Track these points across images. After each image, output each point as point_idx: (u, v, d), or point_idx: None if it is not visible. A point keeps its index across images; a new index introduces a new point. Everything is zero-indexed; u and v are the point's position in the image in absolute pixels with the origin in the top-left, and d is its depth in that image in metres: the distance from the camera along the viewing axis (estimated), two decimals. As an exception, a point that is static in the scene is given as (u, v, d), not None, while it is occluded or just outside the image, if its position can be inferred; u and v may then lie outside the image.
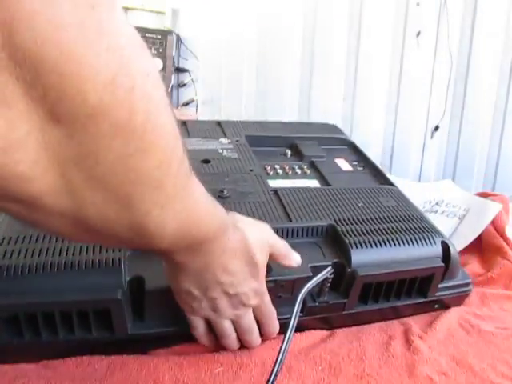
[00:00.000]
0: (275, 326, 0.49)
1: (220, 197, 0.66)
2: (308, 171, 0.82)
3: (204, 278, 0.40)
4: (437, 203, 1.36)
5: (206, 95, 1.61)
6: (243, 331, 0.47)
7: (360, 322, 0.58)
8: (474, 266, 0.90)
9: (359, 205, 0.68)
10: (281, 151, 0.92)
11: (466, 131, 1.67)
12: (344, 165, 0.89)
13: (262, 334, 0.49)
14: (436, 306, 0.62)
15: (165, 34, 1.50)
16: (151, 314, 0.47)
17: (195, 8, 1.55)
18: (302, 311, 0.51)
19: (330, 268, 0.52)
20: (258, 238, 0.44)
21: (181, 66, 1.57)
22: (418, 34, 1.60)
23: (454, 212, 1.26)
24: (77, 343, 0.46)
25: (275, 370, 0.42)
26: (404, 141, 1.68)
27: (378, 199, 0.71)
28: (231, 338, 0.47)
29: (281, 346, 0.43)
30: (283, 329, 0.47)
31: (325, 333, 0.55)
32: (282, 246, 0.48)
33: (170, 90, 1.53)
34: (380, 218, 0.65)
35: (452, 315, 0.60)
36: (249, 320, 0.46)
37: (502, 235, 0.99)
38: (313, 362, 0.48)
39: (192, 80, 1.58)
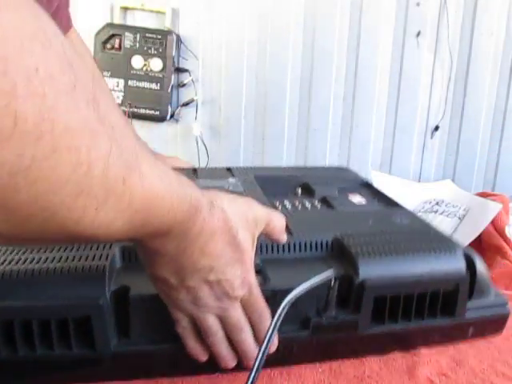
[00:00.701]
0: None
1: None
2: (319, 205, 0.75)
3: (180, 263, 0.37)
4: (437, 203, 1.36)
5: (205, 95, 1.61)
6: (231, 328, 0.41)
7: (380, 349, 0.51)
8: (474, 267, 0.90)
9: (369, 222, 0.62)
10: (291, 190, 0.86)
11: (466, 131, 1.67)
12: (357, 199, 0.84)
13: (256, 339, 0.42)
14: (470, 331, 0.53)
15: (165, 34, 1.50)
16: (137, 330, 0.43)
17: (195, 8, 1.55)
18: (306, 327, 0.46)
19: (331, 271, 0.47)
20: (241, 214, 0.39)
21: (181, 65, 1.57)
22: (418, 34, 1.60)
23: (454, 212, 1.26)
24: (56, 364, 0.43)
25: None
26: (404, 141, 1.68)
27: (389, 218, 0.64)
28: (218, 337, 0.41)
29: (256, 359, 0.38)
30: (285, 350, 0.42)
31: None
32: (276, 220, 0.43)
33: (170, 90, 1.53)
34: (392, 232, 0.58)
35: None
36: (236, 314, 0.40)
37: (502, 235, 0.99)
38: (313, 364, 0.48)
39: (192, 80, 1.58)
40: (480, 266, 0.55)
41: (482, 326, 0.55)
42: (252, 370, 0.37)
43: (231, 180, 0.82)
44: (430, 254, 0.53)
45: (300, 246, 0.54)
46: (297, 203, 0.75)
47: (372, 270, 0.49)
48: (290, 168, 1.02)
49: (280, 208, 0.69)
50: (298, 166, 1.10)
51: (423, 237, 0.57)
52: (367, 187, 0.92)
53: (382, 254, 0.51)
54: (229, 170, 0.91)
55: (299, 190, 0.86)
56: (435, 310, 0.52)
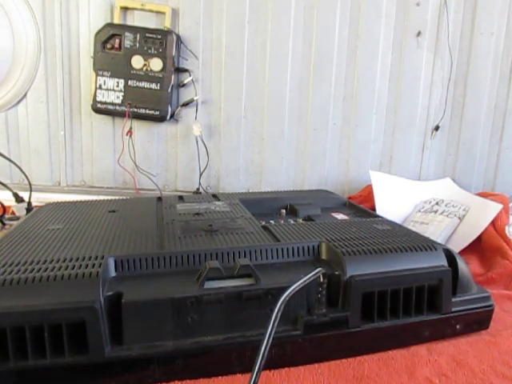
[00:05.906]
0: None
1: (208, 230, 0.63)
2: (303, 223, 0.78)
3: None
4: (437, 203, 1.36)
5: (205, 95, 1.61)
6: None
7: (373, 347, 0.51)
8: (474, 266, 0.90)
9: (352, 230, 0.65)
10: (276, 211, 0.90)
11: (466, 131, 1.67)
12: (340, 216, 0.87)
13: None
14: (458, 326, 0.55)
15: (165, 33, 1.50)
16: (130, 336, 0.43)
17: (195, 8, 1.55)
18: (298, 326, 0.47)
19: (319, 269, 0.48)
20: None
21: (181, 65, 1.57)
22: (418, 34, 1.60)
23: (454, 212, 1.26)
24: (49, 372, 0.42)
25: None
26: (404, 141, 1.68)
27: (372, 226, 0.68)
28: None
29: (258, 352, 0.38)
30: (279, 351, 0.42)
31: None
32: None
33: (170, 90, 1.53)
34: (375, 236, 0.62)
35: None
36: None
37: (502, 235, 0.99)
38: (311, 365, 0.48)
39: (192, 80, 1.58)
40: (460, 262, 0.57)
41: (468, 320, 0.56)
42: (255, 367, 0.37)
43: (217, 203, 0.85)
44: (412, 252, 0.56)
45: (288, 252, 0.56)
46: (282, 222, 0.78)
47: (358, 268, 0.51)
48: (272, 192, 1.04)
49: (266, 224, 0.71)
50: (280, 191, 1.16)
51: (405, 238, 0.60)
52: (349, 206, 0.95)
53: (367, 252, 0.54)
54: (214, 196, 0.94)
55: (283, 211, 0.89)
56: (422, 307, 0.54)
